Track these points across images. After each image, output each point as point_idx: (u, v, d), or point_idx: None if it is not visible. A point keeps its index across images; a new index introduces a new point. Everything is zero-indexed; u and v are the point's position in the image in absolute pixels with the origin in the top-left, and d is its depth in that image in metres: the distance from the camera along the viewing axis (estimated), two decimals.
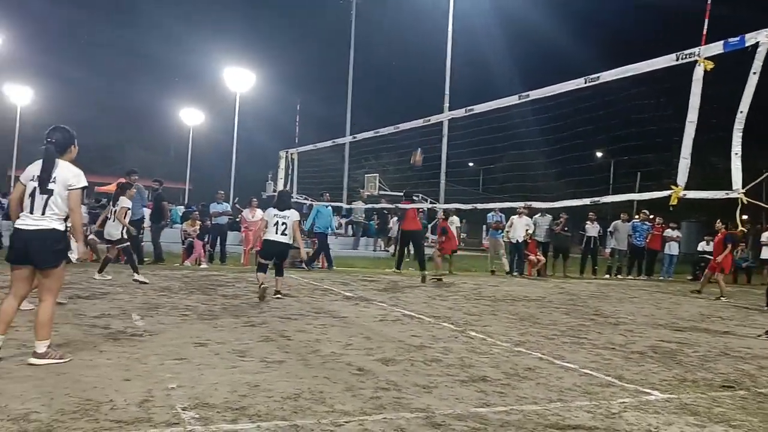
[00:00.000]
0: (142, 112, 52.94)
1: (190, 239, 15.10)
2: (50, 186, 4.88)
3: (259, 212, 16.56)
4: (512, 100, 8.01)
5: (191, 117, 44.59)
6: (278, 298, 9.24)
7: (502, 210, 17.74)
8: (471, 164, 42.08)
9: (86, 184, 5.10)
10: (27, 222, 4.87)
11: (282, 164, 15.21)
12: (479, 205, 10.60)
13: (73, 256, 5.22)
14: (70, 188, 4.92)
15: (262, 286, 9.07)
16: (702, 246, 19.22)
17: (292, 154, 15.30)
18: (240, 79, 35.07)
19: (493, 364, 5.69)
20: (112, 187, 14.35)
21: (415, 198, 13.32)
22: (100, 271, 10.42)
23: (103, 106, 50.75)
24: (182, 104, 45.32)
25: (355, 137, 14.13)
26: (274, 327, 6.99)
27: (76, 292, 8.75)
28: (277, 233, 9.33)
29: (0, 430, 3.39)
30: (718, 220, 14.38)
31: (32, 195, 4.89)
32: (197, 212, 16.63)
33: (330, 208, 16.11)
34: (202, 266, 14.56)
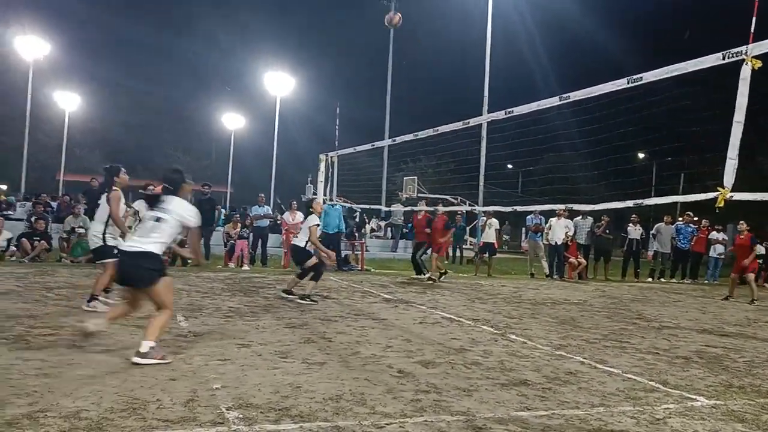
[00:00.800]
0: (184, 116, 53.83)
1: (232, 241, 15.32)
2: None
3: (299, 215, 16.70)
4: (553, 101, 7.93)
5: (232, 121, 45.19)
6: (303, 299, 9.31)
7: (541, 212, 17.56)
8: (510, 166, 41.73)
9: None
10: None
11: (322, 167, 15.31)
12: (519, 208, 10.52)
13: None
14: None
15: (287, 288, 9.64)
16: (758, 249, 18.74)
17: (331, 157, 15.39)
18: (280, 83, 35.43)
19: (534, 367, 5.66)
20: (157, 190, 14.52)
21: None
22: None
23: (146, 111, 51.71)
24: (224, 108, 45.96)
25: (394, 140, 14.13)
26: (315, 329, 7.05)
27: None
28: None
29: (52, 427, 3.49)
30: (741, 221, 13.98)
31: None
32: (239, 215, 16.87)
33: (338, 207, 16.08)
34: (243, 268, 14.75)
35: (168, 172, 5.79)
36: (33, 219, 14.55)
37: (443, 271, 14.69)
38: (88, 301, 7.51)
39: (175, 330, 6.52)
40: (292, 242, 9.86)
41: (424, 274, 13.94)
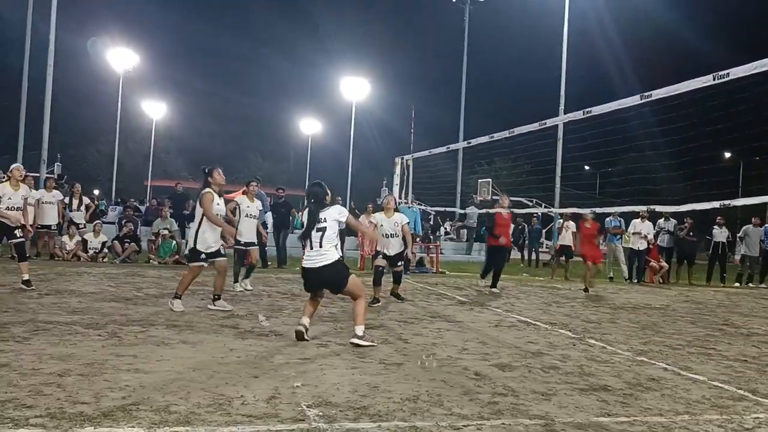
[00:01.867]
0: (264, 122, 55.16)
1: None
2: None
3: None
4: (634, 100, 7.76)
5: (310, 126, 46.01)
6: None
7: (621, 214, 17.11)
8: (587, 167, 40.84)
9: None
10: None
11: (397, 170, 15.43)
12: (597, 209, 10.30)
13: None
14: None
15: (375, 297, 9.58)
16: None
17: (407, 160, 15.49)
18: (356, 88, 35.86)
19: (614, 373, 5.54)
20: (237, 194, 14.95)
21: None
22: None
23: (227, 117, 53.40)
24: (301, 114, 46.86)
25: (469, 142, 14.10)
26: (391, 330, 7.13)
27: (209, 294, 9.28)
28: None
29: (144, 420, 3.68)
30: None
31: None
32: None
33: (416, 210, 16.05)
34: None
35: (311, 187, 6.80)
36: (123, 222, 15.25)
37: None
38: (172, 299, 7.79)
39: (257, 330, 6.73)
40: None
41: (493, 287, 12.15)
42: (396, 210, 10.05)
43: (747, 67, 6.18)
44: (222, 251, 7.98)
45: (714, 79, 6.48)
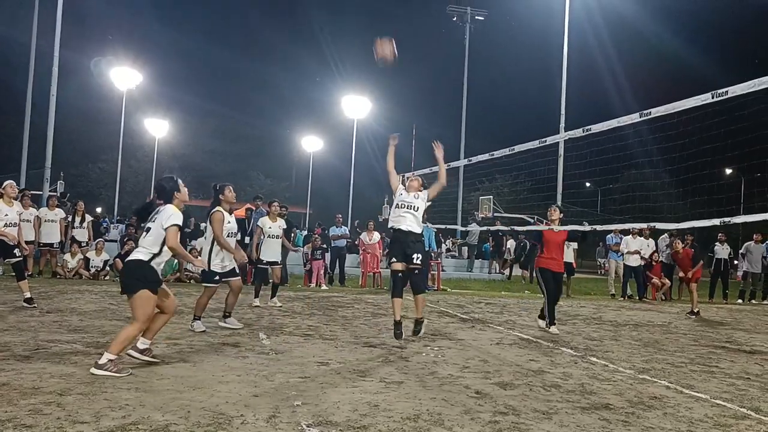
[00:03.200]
0: (266, 140, 55.33)
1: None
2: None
3: (376, 235, 16.89)
4: (633, 118, 7.78)
5: (311, 144, 46.18)
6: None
7: (621, 231, 17.12)
8: (588, 185, 40.88)
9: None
10: None
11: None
12: (597, 227, 10.30)
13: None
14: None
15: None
16: None
17: (408, 177, 15.51)
18: (357, 105, 36.03)
19: (616, 391, 5.52)
20: (240, 213, 15.02)
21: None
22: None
23: (229, 136, 53.53)
24: (303, 132, 47.03)
25: (470, 160, 14.13)
26: (392, 348, 7.11)
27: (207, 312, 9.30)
28: None
29: None
30: None
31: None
32: (318, 236, 17.21)
33: (430, 228, 16.03)
34: (323, 287, 15.00)
35: (159, 180, 6.08)
36: (125, 240, 15.26)
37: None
38: (192, 321, 7.75)
39: (258, 348, 6.71)
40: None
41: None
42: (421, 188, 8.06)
43: (745, 85, 6.21)
44: (236, 270, 7.98)
45: (713, 97, 6.51)
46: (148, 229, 5.59)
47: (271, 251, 10.30)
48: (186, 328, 7.67)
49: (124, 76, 33.64)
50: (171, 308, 5.77)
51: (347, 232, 18.68)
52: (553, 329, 9.11)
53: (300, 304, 11.24)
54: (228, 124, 54.19)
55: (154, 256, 5.50)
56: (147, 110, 41.52)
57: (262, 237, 10.40)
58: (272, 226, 10.38)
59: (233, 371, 5.51)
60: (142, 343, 5.62)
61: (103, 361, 5.17)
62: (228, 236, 7.83)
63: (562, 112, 23.10)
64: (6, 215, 9.14)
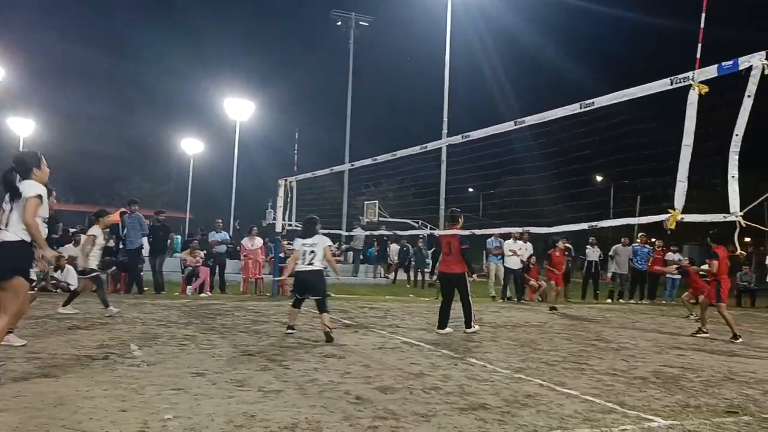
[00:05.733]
0: (144, 143, 53.21)
1: (189, 268, 15.08)
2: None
3: (258, 240, 16.56)
4: (508, 126, 8.03)
5: (192, 147, 44.81)
6: (328, 341, 8.11)
7: (501, 235, 17.71)
8: (471, 190, 42.11)
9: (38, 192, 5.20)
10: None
11: (281, 192, 15.23)
12: (477, 231, 10.56)
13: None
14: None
15: (290, 324, 8.82)
16: (705, 268, 19.12)
17: (290, 182, 15.33)
18: (240, 108, 35.30)
19: (493, 391, 5.63)
20: (114, 218, 14.28)
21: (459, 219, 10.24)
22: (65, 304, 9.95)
23: (106, 138, 51.02)
24: (183, 134, 45.57)
25: (353, 165, 14.16)
26: (272, 356, 6.93)
27: (75, 323, 8.75)
28: (304, 263, 8.71)
29: None
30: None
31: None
32: (197, 241, 16.65)
33: None
34: (202, 295, 14.51)
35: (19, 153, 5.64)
36: None
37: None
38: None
39: (129, 360, 6.35)
40: (299, 269, 8.73)
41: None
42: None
43: (610, 97, 6.54)
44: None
45: (581, 107, 6.81)
46: (10, 209, 5.11)
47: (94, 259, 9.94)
48: (47, 340, 7.13)
49: None
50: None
51: (228, 237, 18.20)
52: (445, 331, 9.72)
53: (176, 312, 10.79)
54: (104, 126, 51.68)
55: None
56: (11, 109, 38.87)
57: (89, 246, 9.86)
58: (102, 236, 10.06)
59: (100, 385, 5.16)
60: None
61: None
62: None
63: (445, 117, 23.61)
64: None
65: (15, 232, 5.06)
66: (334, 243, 27.31)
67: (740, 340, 10.10)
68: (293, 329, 8.76)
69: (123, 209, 15.63)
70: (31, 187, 5.14)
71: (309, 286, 8.69)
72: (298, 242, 8.89)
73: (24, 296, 5.00)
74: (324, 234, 9.19)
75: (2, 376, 5.27)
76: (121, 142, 52.11)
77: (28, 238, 5.07)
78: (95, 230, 10.07)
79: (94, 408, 4.47)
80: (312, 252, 8.67)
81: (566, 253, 16.58)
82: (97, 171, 46.35)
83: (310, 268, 8.66)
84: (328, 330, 8.26)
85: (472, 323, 9.93)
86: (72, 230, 17.39)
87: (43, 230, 5.38)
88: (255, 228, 17.23)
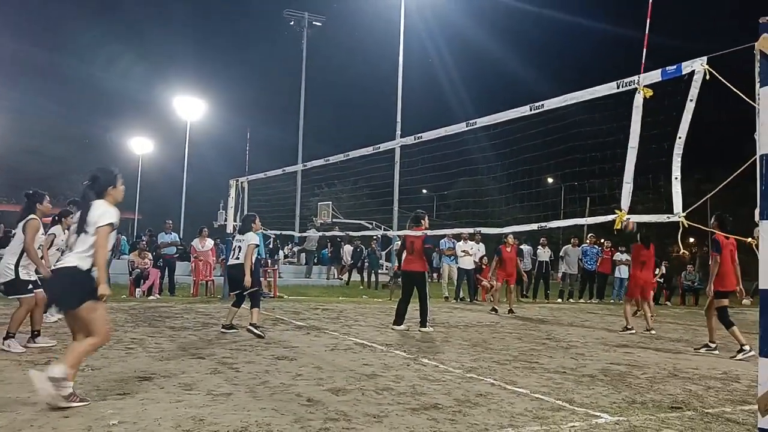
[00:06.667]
0: (90, 141, 51.95)
1: (138, 270, 14.77)
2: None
3: (209, 242, 16.33)
4: (460, 127, 8.08)
5: (140, 146, 43.95)
6: (250, 332, 8.56)
7: (453, 236, 17.86)
8: (425, 191, 42.30)
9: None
10: None
11: (232, 193, 15.05)
12: (429, 232, 10.61)
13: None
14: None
15: (226, 324, 8.97)
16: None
17: (242, 182, 15.15)
18: (191, 107, 34.76)
19: (445, 391, 5.65)
20: (48, 219, 13.76)
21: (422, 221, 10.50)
22: None
23: (49, 136, 49.59)
24: (132, 133, 44.65)
25: (305, 165, 14.06)
26: (222, 359, 6.83)
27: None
28: (232, 257, 9.12)
29: None
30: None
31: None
32: (145, 242, 16.30)
33: (260, 233, 15.86)
34: (150, 298, 14.22)
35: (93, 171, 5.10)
36: None
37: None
38: (4, 339, 6.90)
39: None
40: (229, 264, 9.27)
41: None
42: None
43: (559, 99, 6.63)
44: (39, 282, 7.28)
45: (531, 110, 6.89)
46: (81, 230, 4.77)
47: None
48: None
49: None
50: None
51: (178, 238, 17.88)
52: (400, 328, 10.10)
53: (124, 315, 10.55)
54: (47, 124, 50.18)
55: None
56: None
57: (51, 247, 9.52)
58: (63, 237, 9.62)
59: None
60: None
61: (59, 373, 4.46)
62: (38, 248, 7.25)
63: (398, 118, 23.69)
64: None
65: (80, 259, 4.72)
66: (287, 244, 27.05)
67: (632, 331, 10.87)
68: (232, 329, 8.93)
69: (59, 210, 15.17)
70: (105, 215, 4.80)
71: (234, 280, 9.09)
72: (235, 238, 9.30)
73: (101, 314, 4.75)
74: (267, 233, 9.35)
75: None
76: (67, 140, 50.79)
77: (87, 266, 4.71)
78: (56, 230, 9.66)
79: (35, 414, 4.34)
80: (239, 248, 9.04)
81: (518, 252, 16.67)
82: (40, 170, 45.09)
83: (236, 262, 9.03)
84: (252, 326, 8.61)
85: (427, 323, 10.03)
86: (14, 231, 16.83)
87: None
88: (205, 229, 16.98)
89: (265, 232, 17.18)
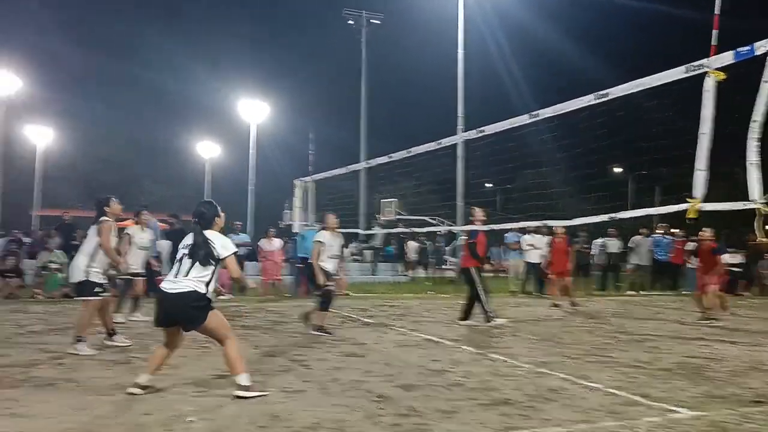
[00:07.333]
0: (159, 146, 53.54)
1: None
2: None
3: (276, 242, 16.60)
4: (523, 119, 8.00)
5: (208, 150, 45.03)
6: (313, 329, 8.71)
7: (520, 229, 17.62)
8: (489, 185, 41.87)
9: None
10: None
11: (298, 193, 15.26)
12: (495, 226, 10.53)
13: None
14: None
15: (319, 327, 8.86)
16: (726, 258, 18.87)
17: (307, 182, 15.35)
18: (254, 109, 35.40)
19: (516, 386, 5.60)
20: (129, 223, 14.32)
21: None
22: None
23: (121, 143, 51.31)
24: (199, 138, 45.77)
25: (368, 163, 14.15)
26: (293, 356, 6.95)
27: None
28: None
29: None
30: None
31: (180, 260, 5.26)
32: None
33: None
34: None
35: (198, 206, 5.59)
36: (5, 256, 14.29)
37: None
38: (74, 343, 7.07)
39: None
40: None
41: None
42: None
43: (625, 87, 6.48)
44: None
45: (595, 98, 6.76)
46: (192, 258, 5.18)
47: (136, 262, 9.82)
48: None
49: (1, 81, 31.56)
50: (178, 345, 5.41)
51: (248, 239, 18.25)
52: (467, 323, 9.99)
53: None
54: (119, 131, 51.95)
55: (207, 285, 5.18)
56: (30, 118, 39.22)
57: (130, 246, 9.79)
58: (141, 236, 9.96)
59: (122, 388, 5.19)
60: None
61: (245, 381, 5.04)
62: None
63: (459, 114, 23.53)
64: None
65: (196, 284, 5.12)
66: (352, 242, 27.25)
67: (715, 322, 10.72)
68: (326, 332, 8.71)
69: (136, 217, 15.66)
70: (226, 245, 5.31)
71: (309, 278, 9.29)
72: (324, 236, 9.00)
73: (220, 319, 5.26)
74: (341, 233, 9.31)
75: (28, 382, 5.33)
76: (137, 146, 52.46)
77: (203, 291, 5.14)
78: (131, 230, 9.99)
79: (117, 410, 4.55)
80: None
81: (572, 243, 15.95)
82: (112, 177, 46.80)
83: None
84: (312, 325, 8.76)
85: (492, 317, 9.90)
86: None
87: None
88: (272, 229, 17.26)
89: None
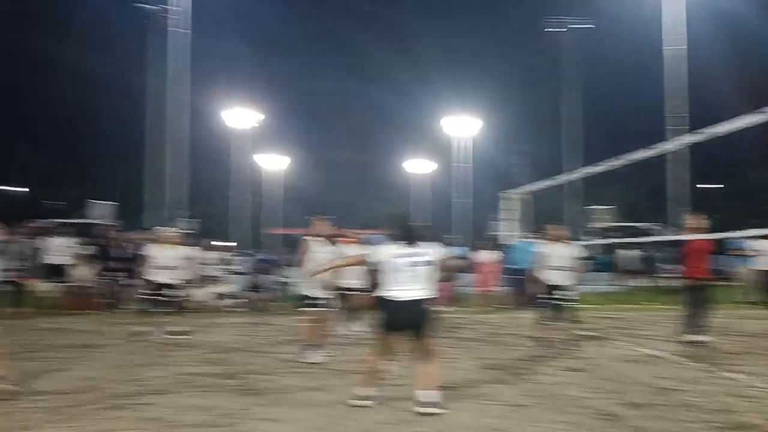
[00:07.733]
0: (374, 165, 56.28)
1: None
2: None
3: (491, 253, 16.75)
4: (751, 120, 7.49)
5: (416, 166, 46.95)
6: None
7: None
8: (710, 188, 38.80)
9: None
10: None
11: (510, 205, 15.30)
12: (719, 235, 9.81)
13: None
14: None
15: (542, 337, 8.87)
16: None
17: (514, 195, 15.39)
18: (466, 125, 36.46)
19: (755, 408, 5.27)
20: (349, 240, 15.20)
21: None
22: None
23: (339, 163, 54.99)
24: (413, 155, 47.94)
25: (579, 172, 13.91)
26: (514, 369, 7.08)
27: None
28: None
29: None
30: None
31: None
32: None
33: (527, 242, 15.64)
34: (439, 308, 14.97)
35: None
36: (254, 272, 15.99)
37: None
38: (301, 350, 7.74)
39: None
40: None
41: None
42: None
43: None
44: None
45: None
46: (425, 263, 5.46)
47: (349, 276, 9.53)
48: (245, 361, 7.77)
49: (245, 115, 35.84)
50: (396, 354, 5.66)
51: (467, 251, 18.60)
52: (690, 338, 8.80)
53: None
54: (340, 153, 55.58)
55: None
56: (268, 146, 43.61)
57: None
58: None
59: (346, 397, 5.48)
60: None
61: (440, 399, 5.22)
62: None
63: (683, 113, 22.36)
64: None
65: (430, 291, 5.48)
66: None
67: None
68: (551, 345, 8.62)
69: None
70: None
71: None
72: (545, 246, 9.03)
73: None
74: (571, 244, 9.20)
75: (276, 389, 5.97)
76: (355, 166, 55.70)
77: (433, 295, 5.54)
78: (344, 246, 9.82)
79: (357, 422, 4.96)
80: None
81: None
82: (334, 198, 50.03)
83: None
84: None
85: (701, 333, 8.85)
86: None
87: None
88: (486, 241, 17.47)
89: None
